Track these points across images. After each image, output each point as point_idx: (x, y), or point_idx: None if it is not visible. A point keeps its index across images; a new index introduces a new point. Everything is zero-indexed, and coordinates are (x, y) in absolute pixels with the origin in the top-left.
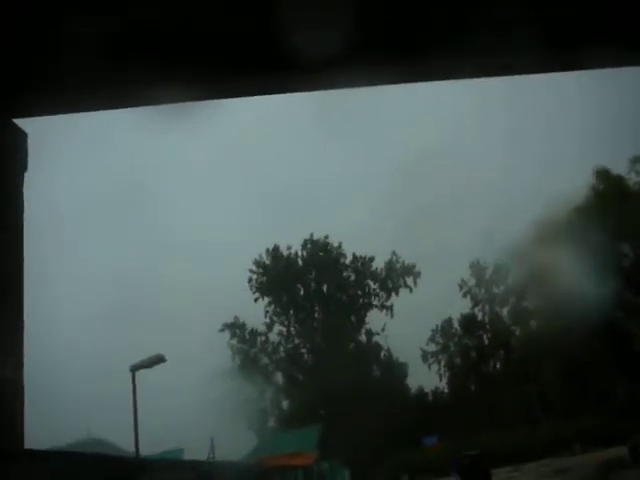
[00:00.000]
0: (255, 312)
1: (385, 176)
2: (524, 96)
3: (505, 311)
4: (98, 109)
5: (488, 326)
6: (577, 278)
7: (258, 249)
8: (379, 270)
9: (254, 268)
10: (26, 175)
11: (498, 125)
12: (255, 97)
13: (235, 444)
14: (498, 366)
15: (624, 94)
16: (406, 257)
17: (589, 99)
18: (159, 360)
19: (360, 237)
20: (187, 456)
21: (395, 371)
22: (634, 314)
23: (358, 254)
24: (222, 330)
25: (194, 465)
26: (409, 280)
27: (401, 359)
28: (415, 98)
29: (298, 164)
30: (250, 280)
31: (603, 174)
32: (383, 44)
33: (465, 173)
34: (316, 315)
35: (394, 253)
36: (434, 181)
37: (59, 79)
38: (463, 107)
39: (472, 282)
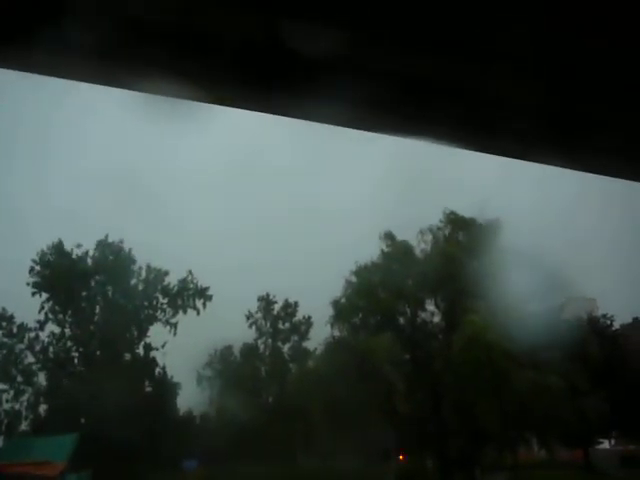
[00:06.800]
0: (30, 307)
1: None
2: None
3: (286, 347)
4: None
5: (268, 359)
6: (356, 327)
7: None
8: (171, 286)
9: (37, 259)
10: None
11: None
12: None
13: None
14: (271, 400)
15: None
16: (202, 279)
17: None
18: None
19: (160, 249)
20: None
21: (167, 390)
22: (403, 369)
23: (153, 266)
24: None
25: None
26: (199, 302)
27: (175, 379)
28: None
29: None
30: (32, 270)
31: (390, 237)
32: (383, 99)
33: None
34: (96, 319)
35: (190, 272)
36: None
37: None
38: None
39: (260, 314)
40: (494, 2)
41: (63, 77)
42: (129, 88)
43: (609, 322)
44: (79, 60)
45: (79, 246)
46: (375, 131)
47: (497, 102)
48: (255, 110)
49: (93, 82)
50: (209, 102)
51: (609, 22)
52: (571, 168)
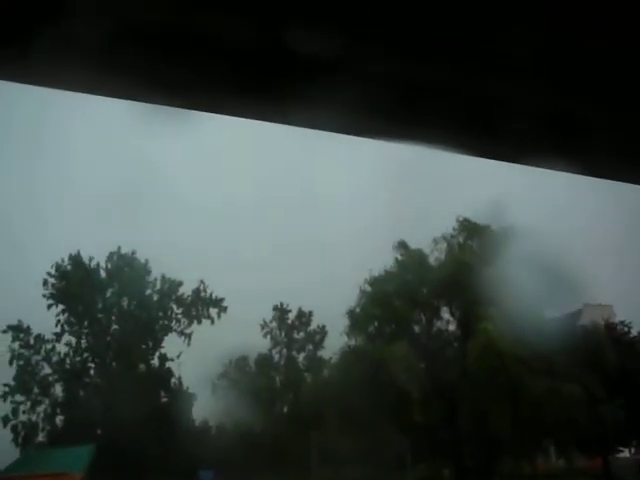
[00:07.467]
0: (46, 318)
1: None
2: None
3: (301, 357)
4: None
5: (283, 369)
6: (371, 336)
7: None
8: (186, 296)
9: (52, 272)
10: None
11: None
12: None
13: None
14: (286, 409)
15: None
16: (217, 289)
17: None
18: None
19: (176, 259)
20: None
21: (183, 400)
22: (418, 378)
23: (167, 276)
24: (5, 332)
25: None
26: (213, 312)
27: (190, 389)
28: None
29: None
30: (45, 283)
31: (403, 246)
32: (382, 99)
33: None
34: (112, 330)
35: (202, 282)
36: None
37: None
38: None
39: (274, 324)
40: (494, 2)
41: (61, 88)
42: (126, 98)
43: (626, 329)
44: (78, 69)
45: (91, 259)
46: (375, 137)
47: (497, 102)
48: (252, 118)
49: (91, 93)
50: (206, 111)
51: (609, 22)
52: (571, 171)
